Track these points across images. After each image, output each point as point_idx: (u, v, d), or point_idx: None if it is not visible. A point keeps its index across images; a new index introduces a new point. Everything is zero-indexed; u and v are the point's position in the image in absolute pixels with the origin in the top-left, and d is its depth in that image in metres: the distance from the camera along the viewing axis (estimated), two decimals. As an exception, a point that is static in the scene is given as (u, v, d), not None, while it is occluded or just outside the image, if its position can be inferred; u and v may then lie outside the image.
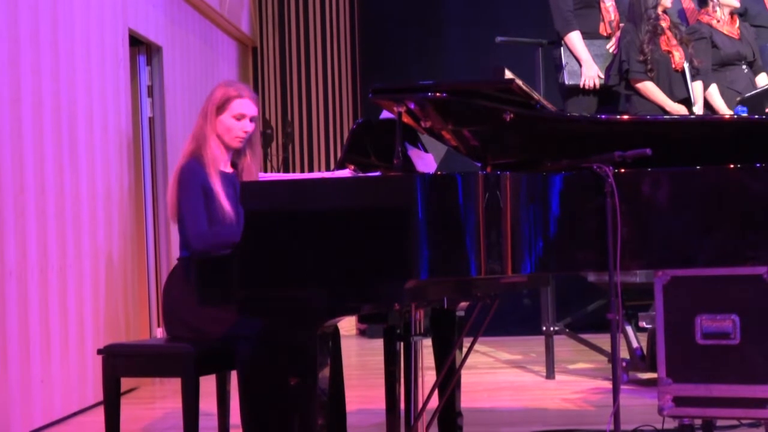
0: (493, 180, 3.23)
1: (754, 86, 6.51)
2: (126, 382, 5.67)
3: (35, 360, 5.06)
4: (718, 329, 4.09)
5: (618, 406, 3.38)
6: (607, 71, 6.44)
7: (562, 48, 6.49)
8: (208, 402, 4.26)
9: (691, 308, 4.13)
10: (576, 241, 3.38)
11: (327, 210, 3.18)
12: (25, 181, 5.03)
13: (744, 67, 6.56)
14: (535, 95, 3.55)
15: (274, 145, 9.17)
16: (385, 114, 3.89)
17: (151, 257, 6.92)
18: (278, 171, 8.90)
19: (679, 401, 4.13)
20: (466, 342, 4.17)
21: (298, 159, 9.58)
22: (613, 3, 6.53)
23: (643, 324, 5.67)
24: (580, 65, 6.43)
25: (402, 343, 3.62)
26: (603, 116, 3.88)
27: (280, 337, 3.50)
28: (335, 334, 3.86)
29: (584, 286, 6.52)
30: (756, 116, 4.22)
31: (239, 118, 4.05)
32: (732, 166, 3.44)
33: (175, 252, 6.52)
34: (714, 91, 6.43)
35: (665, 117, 5.70)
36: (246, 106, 4.06)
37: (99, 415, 4.32)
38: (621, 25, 6.47)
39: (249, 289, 3.24)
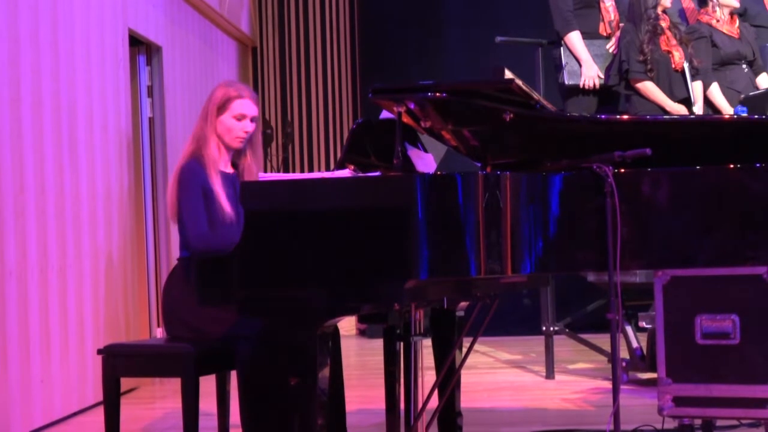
0: (492, 180, 3.23)
1: (754, 86, 6.52)
2: (126, 382, 5.67)
3: (35, 360, 5.06)
4: (718, 329, 4.09)
5: (618, 406, 3.38)
6: (607, 71, 6.44)
7: (561, 48, 6.49)
8: (208, 402, 4.26)
9: (691, 308, 4.13)
10: (576, 241, 3.38)
11: (327, 210, 3.18)
12: (25, 181, 5.03)
13: (744, 66, 6.57)
14: (535, 95, 3.55)
15: (274, 145, 9.17)
16: (385, 114, 3.89)
17: (151, 257, 6.92)
18: (278, 171, 8.90)
19: (678, 401, 4.13)
20: (466, 342, 4.17)
21: (298, 159, 9.58)
22: (613, 3, 6.54)
23: (642, 324, 5.67)
24: (580, 65, 6.43)
25: (402, 343, 3.62)
26: (603, 116, 3.88)
27: (280, 337, 3.50)
28: (335, 334, 3.86)
29: (584, 286, 6.52)
30: (756, 116, 4.21)
31: (240, 118, 4.05)
32: (732, 166, 3.44)
33: (175, 252, 6.52)
34: (715, 89, 6.43)
35: (665, 117, 5.70)
36: (246, 106, 4.06)
37: (99, 415, 4.32)
38: (621, 25, 6.47)
39: (249, 289, 3.24)
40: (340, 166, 3.96)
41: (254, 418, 3.71)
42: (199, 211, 3.93)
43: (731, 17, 6.62)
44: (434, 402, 4.02)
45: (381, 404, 3.63)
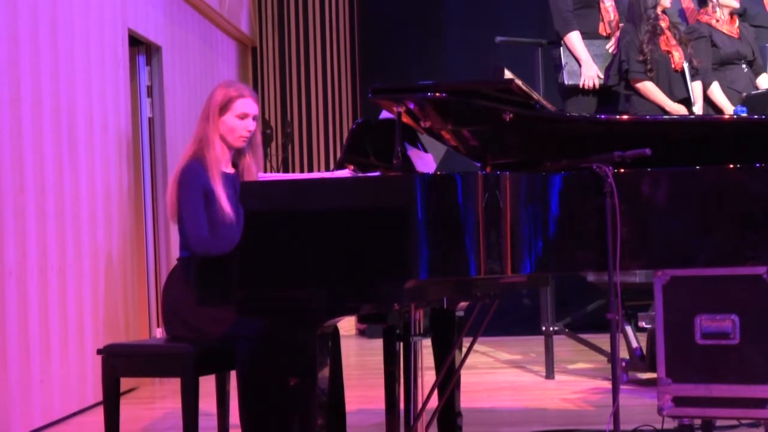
0: (492, 180, 3.23)
1: (754, 86, 6.52)
2: (126, 382, 5.66)
3: (35, 360, 5.06)
4: (718, 329, 4.09)
5: (617, 406, 3.38)
6: (607, 71, 6.44)
7: (561, 48, 6.49)
8: (207, 402, 4.26)
9: (691, 308, 4.13)
10: (575, 241, 3.38)
11: (327, 210, 3.18)
12: (24, 181, 5.03)
13: (744, 66, 6.57)
14: (535, 95, 3.55)
15: (273, 145, 9.17)
16: (385, 114, 3.88)
17: (151, 257, 6.92)
18: (278, 171, 8.90)
19: (678, 401, 4.13)
20: (466, 342, 4.17)
21: (297, 159, 9.58)
22: (613, 3, 6.54)
23: (642, 324, 5.67)
24: (580, 65, 6.43)
25: (401, 343, 3.62)
26: (602, 116, 3.88)
27: (280, 337, 3.50)
28: (335, 334, 3.86)
29: (584, 286, 6.52)
30: (756, 116, 4.21)
31: (242, 117, 4.06)
32: (732, 166, 3.44)
33: (175, 252, 6.52)
34: (716, 89, 6.43)
35: (665, 117, 5.70)
36: (248, 105, 4.07)
37: (98, 416, 4.32)
38: (620, 25, 6.47)
39: (249, 289, 3.24)
40: (339, 166, 3.96)
41: (254, 418, 3.71)
42: (199, 213, 3.93)
43: (731, 17, 6.62)
44: (434, 402, 4.02)
45: (381, 404, 3.63)
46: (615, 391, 3.38)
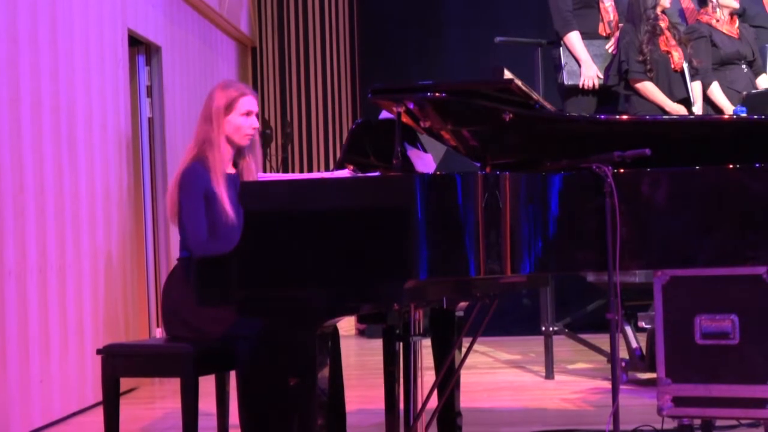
0: (492, 180, 3.23)
1: (754, 86, 6.52)
2: (125, 382, 5.66)
3: (34, 360, 5.06)
4: (718, 329, 4.09)
5: (617, 406, 3.38)
6: (607, 71, 6.44)
7: (561, 48, 6.49)
8: (207, 402, 4.26)
9: (691, 308, 4.13)
10: (575, 241, 3.38)
11: (326, 210, 3.18)
12: (24, 181, 5.03)
13: (744, 66, 6.57)
14: (535, 95, 3.55)
15: (273, 145, 9.17)
16: (385, 114, 3.88)
17: (150, 257, 6.92)
18: (277, 171, 8.90)
19: (678, 401, 4.13)
20: (466, 342, 4.17)
21: (297, 159, 9.58)
22: (612, 3, 6.54)
23: (642, 324, 5.67)
24: (580, 65, 6.43)
25: (401, 343, 3.62)
26: (602, 116, 3.88)
27: (280, 337, 3.50)
28: (334, 334, 3.86)
29: (583, 286, 6.52)
30: (756, 116, 4.21)
31: (247, 114, 4.07)
32: (732, 166, 3.44)
33: (175, 252, 6.52)
34: (716, 89, 6.43)
35: (664, 117, 5.70)
36: (251, 102, 4.10)
37: (98, 416, 4.32)
38: (620, 25, 6.47)
39: (249, 289, 3.24)
40: (339, 166, 3.96)
41: (254, 418, 3.71)
42: (199, 215, 3.93)
43: (731, 18, 6.62)
44: (434, 402, 4.02)
45: (380, 404, 3.63)
46: (615, 391, 3.38)
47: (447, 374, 4.11)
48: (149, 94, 7.00)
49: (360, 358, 7.69)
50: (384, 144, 3.70)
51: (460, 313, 4.25)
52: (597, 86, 6.43)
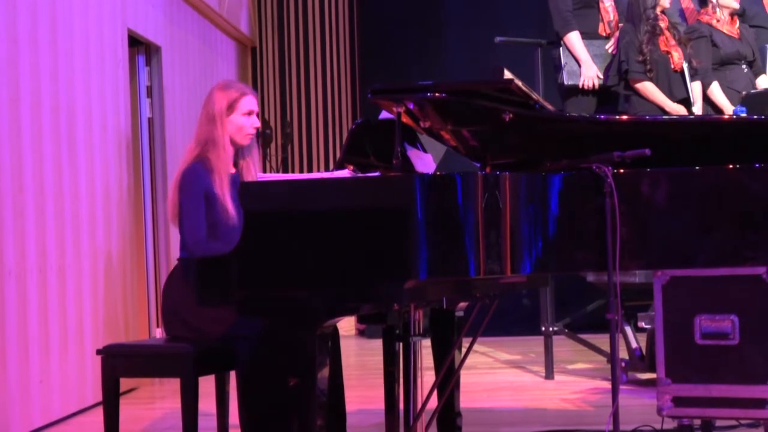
0: (492, 180, 3.23)
1: (754, 86, 6.52)
2: (125, 383, 5.66)
3: (34, 360, 5.06)
4: (718, 329, 4.09)
5: (617, 407, 3.38)
6: (606, 71, 6.45)
7: (561, 48, 6.49)
8: (207, 402, 4.26)
9: (691, 308, 4.13)
10: (575, 241, 3.38)
11: (326, 210, 3.18)
12: (24, 181, 5.03)
13: (744, 66, 6.57)
14: (534, 95, 3.55)
15: (273, 145, 9.17)
16: (384, 114, 3.88)
17: (150, 257, 6.92)
18: (277, 171, 8.90)
19: (678, 401, 4.13)
20: (465, 342, 4.17)
21: (297, 159, 9.58)
22: (612, 3, 6.54)
23: (642, 324, 5.67)
24: (579, 65, 6.43)
25: (401, 344, 3.62)
26: (602, 116, 3.88)
27: (280, 337, 3.50)
28: (334, 334, 3.86)
29: (583, 286, 6.52)
30: (756, 116, 4.21)
31: (249, 114, 4.08)
32: (731, 166, 3.44)
33: (175, 252, 6.52)
34: (716, 88, 6.43)
35: (664, 117, 5.70)
36: (252, 102, 4.11)
37: (98, 416, 4.32)
38: (620, 25, 6.47)
39: (248, 289, 3.24)
40: (339, 166, 3.96)
41: (253, 418, 3.71)
42: (199, 216, 3.93)
43: (731, 18, 6.62)
44: (433, 402, 4.02)
45: (380, 404, 3.63)
46: (614, 392, 3.38)
47: (447, 374, 4.11)
48: (149, 94, 7.00)
49: (360, 358, 7.69)
50: (384, 144, 3.70)
51: (460, 313, 4.25)
52: (597, 86, 6.43)
